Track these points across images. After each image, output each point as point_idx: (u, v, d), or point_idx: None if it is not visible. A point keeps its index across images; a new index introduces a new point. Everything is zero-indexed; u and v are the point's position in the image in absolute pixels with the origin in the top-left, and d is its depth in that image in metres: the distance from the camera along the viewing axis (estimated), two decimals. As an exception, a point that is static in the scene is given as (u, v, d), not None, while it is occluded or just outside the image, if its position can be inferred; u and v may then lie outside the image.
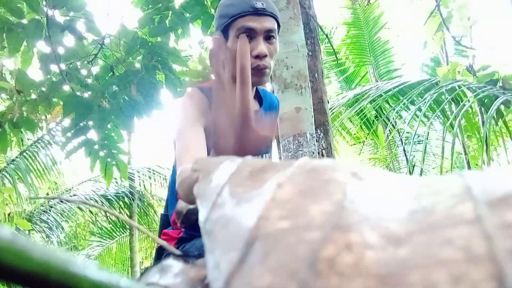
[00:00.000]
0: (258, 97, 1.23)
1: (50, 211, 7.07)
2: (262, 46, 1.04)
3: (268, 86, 1.33)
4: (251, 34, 1.04)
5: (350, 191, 0.21)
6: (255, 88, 1.18)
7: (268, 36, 1.06)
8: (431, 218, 0.17)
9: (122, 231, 8.24)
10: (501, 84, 3.61)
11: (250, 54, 1.03)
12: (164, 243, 0.38)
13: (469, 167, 4.90)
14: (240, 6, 1.05)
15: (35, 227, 6.73)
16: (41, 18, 2.45)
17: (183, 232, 1.13)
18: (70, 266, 0.14)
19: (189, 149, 0.96)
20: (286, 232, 0.18)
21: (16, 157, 5.71)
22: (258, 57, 1.03)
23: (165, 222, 1.22)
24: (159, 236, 1.17)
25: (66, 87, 2.71)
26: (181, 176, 0.91)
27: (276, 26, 1.08)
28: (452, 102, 3.95)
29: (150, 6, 2.75)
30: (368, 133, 6.04)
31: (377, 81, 6.34)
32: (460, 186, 0.19)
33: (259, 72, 1.05)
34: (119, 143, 2.89)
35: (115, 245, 8.35)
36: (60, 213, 7.20)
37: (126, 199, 7.39)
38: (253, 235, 0.18)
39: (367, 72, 7.60)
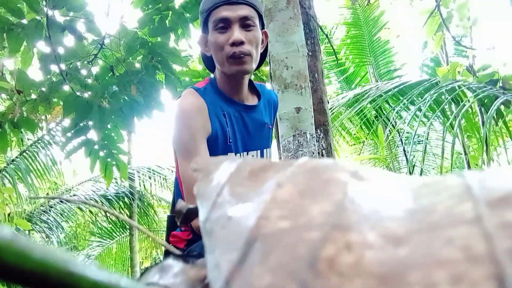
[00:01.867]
0: (256, 92, 1.23)
1: (50, 211, 7.07)
2: (236, 33, 1.04)
3: (267, 86, 1.32)
4: (226, 23, 1.05)
5: (350, 191, 0.21)
6: (248, 78, 1.17)
7: (245, 24, 1.06)
8: (431, 218, 0.17)
9: (122, 231, 8.24)
10: (501, 84, 3.61)
11: (227, 43, 1.05)
12: (163, 242, 0.38)
13: (469, 167, 4.90)
14: None
15: (35, 227, 6.73)
16: (41, 18, 2.45)
17: (192, 234, 1.13)
18: (70, 266, 0.14)
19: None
20: (286, 232, 0.18)
21: (16, 157, 5.71)
22: (234, 44, 1.04)
23: (173, 224, 1.21)
24: (167, 238, 1.17)
25: (66, 87, 2.71)
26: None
27: (254, 14, 1.08)
28: (452, 102, 3.95)
29: (150, 6, 2.75)
30: (368, 133, 6.04)
31: (377, 81, 6.34)
32: (460, 186, 0.19)
33: (238, 60, 1.05)
34: (119, 143, 2.88)
35: (115, 245, 8.35)
36: (60, 213, 7.20)
37: (126, 199, 7.39)
38: (253, 235, 0.18)
39: (367, 72, 7.60)
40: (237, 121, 1.13)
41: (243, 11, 1.06)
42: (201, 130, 1.03)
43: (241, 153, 1.13)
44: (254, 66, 1.09)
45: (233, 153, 1.10)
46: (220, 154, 1.06)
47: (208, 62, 1.19)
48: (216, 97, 1.11)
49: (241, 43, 1.04)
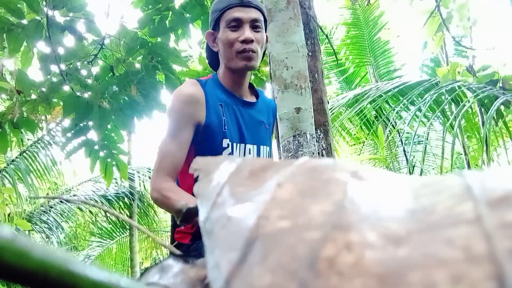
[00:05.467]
0: (255, 92, 1.33)
1: (50, 211, 7.07)
2: (248, 32, 1.17)
3: (268, 87, 1.38)
4: (238, 23, 1.18)
5: (350, 191, 0.21)
6: (249, 76, 1.26)
7: (254, 25, 1.19)
8: (431, 218, 0.17)
9: (122, 231, 8.23)
10: (501, 85, 3.61)
11: (237, 40, 1.17)
12: (163, 242, 0.38)
13: (469, 168, 4.89)
14: (228, 0, 1.20)
15: (35, 227, 6.72)
16: (41, 18, 2.45)
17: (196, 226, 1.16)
18: (70, 266, 0.14)
19: (165, 161, 1.11)
20: (286, 232, 0.18)
21: (16, 157, 5.71)
22: (245, 41, 1.16)
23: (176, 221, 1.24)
24: (173, 235, 1.23)
25: (66, 88, 2.71)
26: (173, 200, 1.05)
27: (261, 18, 1.21)
28: (452, 103, 3.95)
29: (150, 6, 2.75)
30: (368, 134, 6.04)
31: (377, 82, 6.34)
32: (460, 186, 0.19)
33: (246, 55, 1.17)
34: (119, 143, 2.88)
35: (115, 245, 8.35)
36: (60, 214, 7.19)
37: (126, 200, 7.38)
38: (253, 235, 0.18)
39: (367, 72, 7.60)
40: (234, 112, 1.22)
41: (254, 14, 1.19)
42: (190, 117, 1.14)
43: (238, 144, 1.21)
44: (258, 64, 1.21)
45: (228, 140, 1.18)
46: (216, 140, 1.16)
47: (212, 58, 1.30)
48: (216, 89, 1.22)
49: (251, 41, 1.16)
